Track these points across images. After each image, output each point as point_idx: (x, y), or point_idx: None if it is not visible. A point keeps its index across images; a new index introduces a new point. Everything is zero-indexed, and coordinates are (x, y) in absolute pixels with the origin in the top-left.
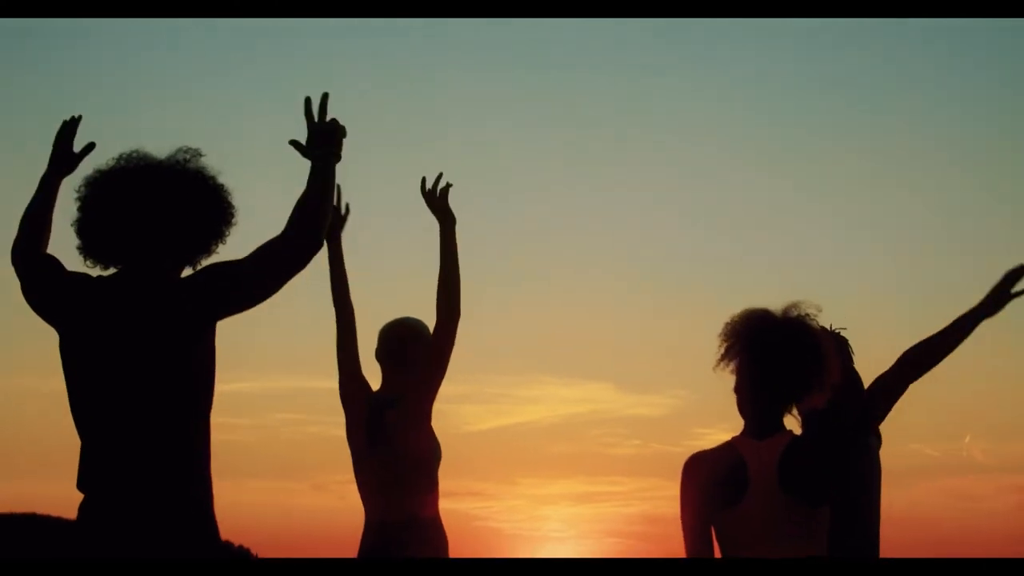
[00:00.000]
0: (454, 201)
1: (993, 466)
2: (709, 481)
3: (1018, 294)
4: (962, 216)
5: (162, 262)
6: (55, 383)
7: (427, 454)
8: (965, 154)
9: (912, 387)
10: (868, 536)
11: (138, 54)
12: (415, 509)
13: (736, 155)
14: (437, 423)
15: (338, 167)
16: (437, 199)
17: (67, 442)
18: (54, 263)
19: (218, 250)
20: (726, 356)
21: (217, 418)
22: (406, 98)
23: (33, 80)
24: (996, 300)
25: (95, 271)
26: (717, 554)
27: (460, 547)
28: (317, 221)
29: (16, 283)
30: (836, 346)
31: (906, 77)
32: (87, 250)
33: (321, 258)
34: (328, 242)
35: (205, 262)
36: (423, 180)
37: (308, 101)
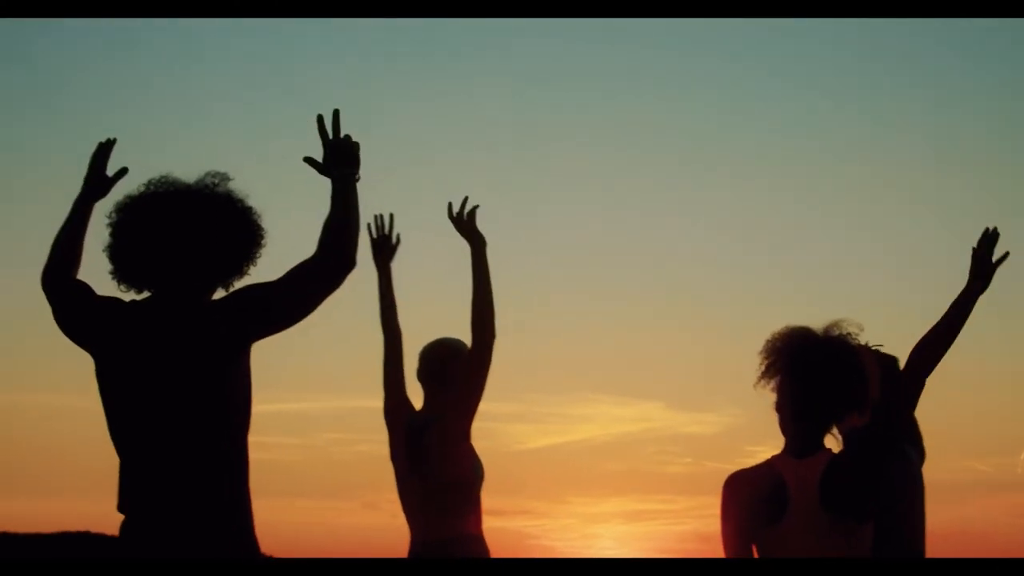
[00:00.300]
0: (508, 221)
1: None
2: (750, 500)
3: (1000, 262)
4: (985, 220)
5: (194, 285)
6: (87, 401)
7: (468, 473)
8: (984, 157)
9: (966, 403)
10: (911, 550)
11: (139, 56)
12: (457, 528)
13: (791, 174)
14: (488, 442)
15: (377, 187)
16: (465, 222)
17: (102, 460)
18: (85, 288)
19: (250, 271)
20: (767, 374)
21: (267, 438)
22: (441, 116)
23: (32, 80)
24: (982, 274)
25: (128, 295)
26: None
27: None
28: (347, 241)
29: (46, 301)
30: (883, 366)
31: (932, 77)
32: (120, 275)
33: (371, 283)
34: (378, 269)
35: (237, 283)
36: (449, 205)
37: (321, 118)
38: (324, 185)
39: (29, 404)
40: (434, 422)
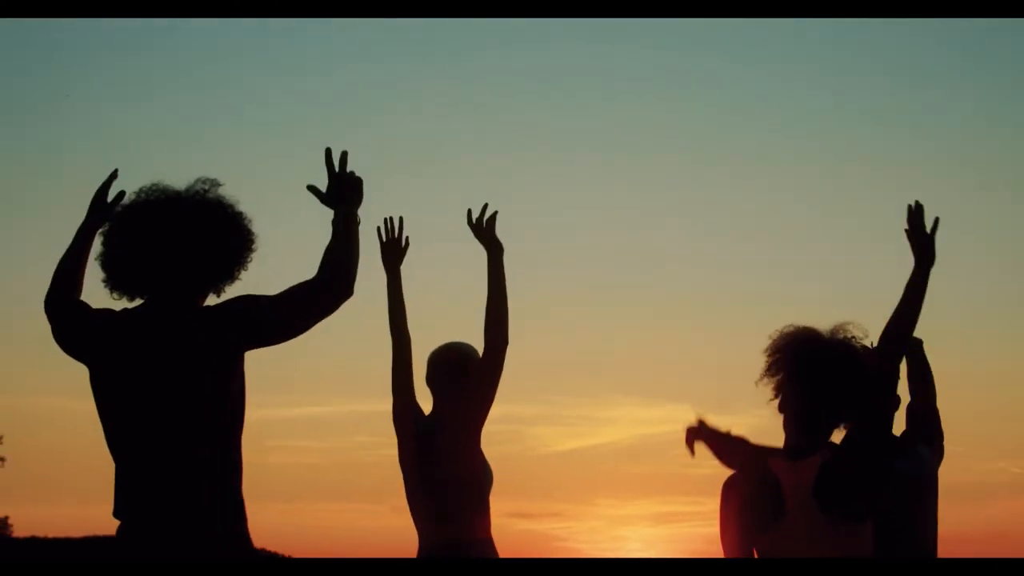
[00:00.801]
0: (536, 226)
1: None
2: (746, 503)
3: (934, 230)
4: (984, 218)
5: (186, 291)
6: (79, 403)
7: (477, 478)
8: (982, 155)
9: (997, 404)
10: (919, 548)
11: (139, 56)
12: (467, 532)
13: (823, 176)
14: (515, 445)
15: (383, 190)
16: (484, 229)
17: (105, 463)
18: (82, 306)
19: (241, 276)
20: (770, 371)
21: (295, 441)
22: (453, 120)
23: (33, 80)
24: (924, 250)
25: (120, 304)
26: None
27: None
28: (346, 272)
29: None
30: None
31: (934, 77)
32: (112, 283)
33: (381, 286)
34: (388, 271)
35: (229, 288)
36: (469, 211)
37: (329, 151)
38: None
39: (43, 408)
40: (444, 426)
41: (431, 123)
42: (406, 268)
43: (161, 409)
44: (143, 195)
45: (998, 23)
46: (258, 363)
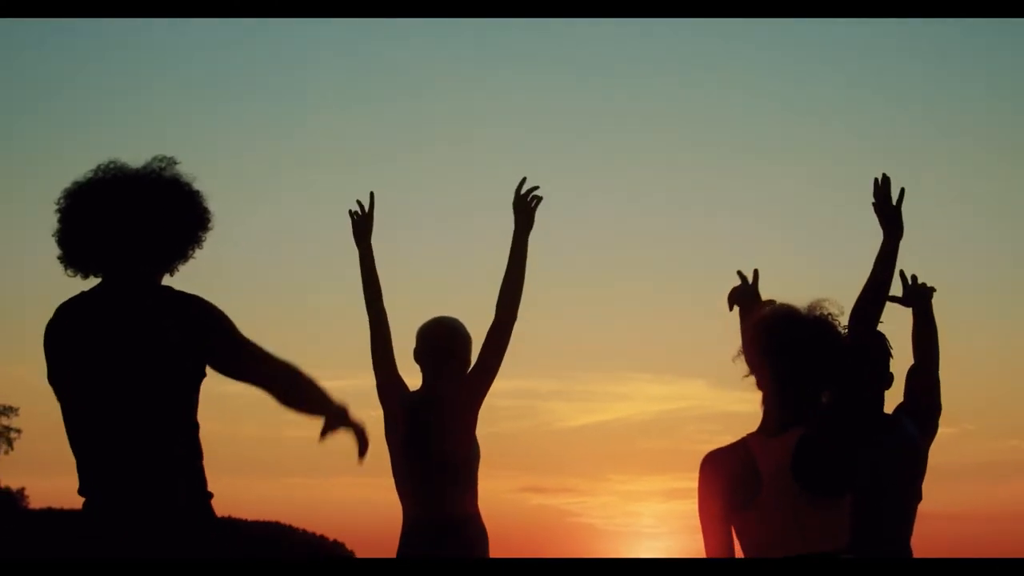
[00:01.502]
0: (554, 204)
1: None
2: (724, 480)
3: (900, 200)
4: (979, 209)
5: (141, 269)
6: None
7: (472, 457)
8: (979, 148)
9: (1009, 384)
10: (896, 525)
11: (139, 56)
12: (454, 508)
13: (835, 161)
14: (530, 420)
15: (365, 171)
16: (526, 203)
17: None
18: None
19: (194, 255)
20: (747, 348)
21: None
22: (449, 102)
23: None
24: (891, 221)
25: (75, 281)
26: (738, 553)
27: (554, 543)
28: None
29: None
30: (877, 343)
31: (922, 75)
32: (68, 259)
33: (408, 264)
34: (360, 247)
35: (182, 267)
36: (522, 181)
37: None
38: (315, 186)
39: None
40: (442, 406)
41: (447, 111)
42: (406, 245)
43: (117, 391)
44: (99, 172)
45: (998, 23)
46: (274, 336)
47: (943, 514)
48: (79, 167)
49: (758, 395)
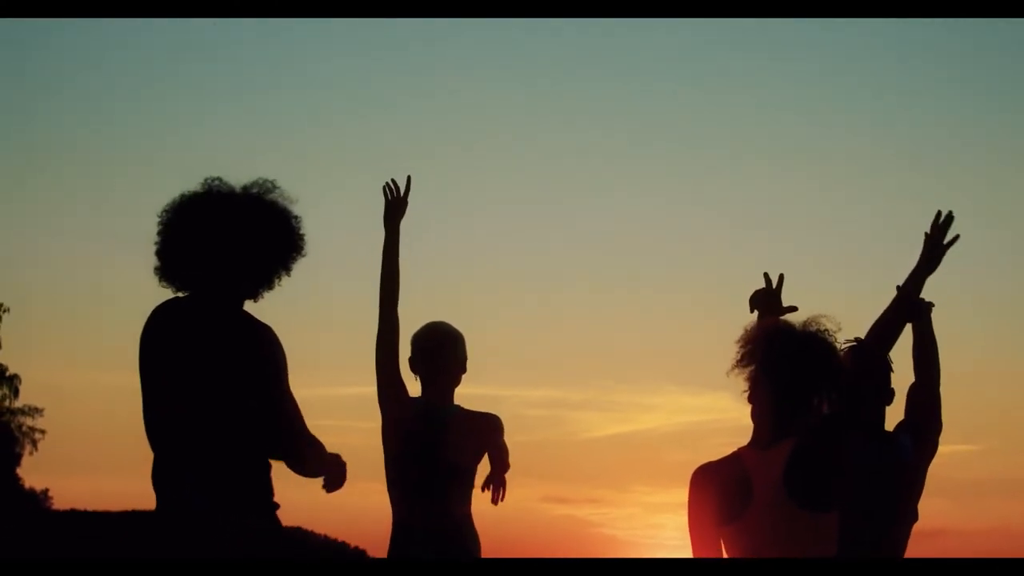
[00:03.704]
0: (587, 216)
1: None
2: (715, 493)
3: (950, 244)
4: (975, 215)
5: (229, 291)
6: (119, 377)
7: (474, 463)
8: (975, 151)
9: (994, 394)
10: (885, 543)
11: (140, 56)
12: (451, 512)
13: (854, 174)
14: (557, 430)
15: (358, 182)
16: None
17: (132, 436)
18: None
19: (282, 282)
20: (741, 362)
21: (337, 421)
22: (438, 104)
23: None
24: (933, 255)
25: (165, 293)
26: None
27: (574, 554)
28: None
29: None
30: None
31: (918, 77)
32: (163, 272)
33: (435, 268)
34: (387, 229)
35: (267, 294)
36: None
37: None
38: (313, 187)
39: (84, 381)
40: (443, 409)
41: (445, 115)
42: (425, 256)
43: (198, 401)
44: (202, 189)
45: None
46: (302, 342)
47: (967, 531)
48: (80, 166)
49: None
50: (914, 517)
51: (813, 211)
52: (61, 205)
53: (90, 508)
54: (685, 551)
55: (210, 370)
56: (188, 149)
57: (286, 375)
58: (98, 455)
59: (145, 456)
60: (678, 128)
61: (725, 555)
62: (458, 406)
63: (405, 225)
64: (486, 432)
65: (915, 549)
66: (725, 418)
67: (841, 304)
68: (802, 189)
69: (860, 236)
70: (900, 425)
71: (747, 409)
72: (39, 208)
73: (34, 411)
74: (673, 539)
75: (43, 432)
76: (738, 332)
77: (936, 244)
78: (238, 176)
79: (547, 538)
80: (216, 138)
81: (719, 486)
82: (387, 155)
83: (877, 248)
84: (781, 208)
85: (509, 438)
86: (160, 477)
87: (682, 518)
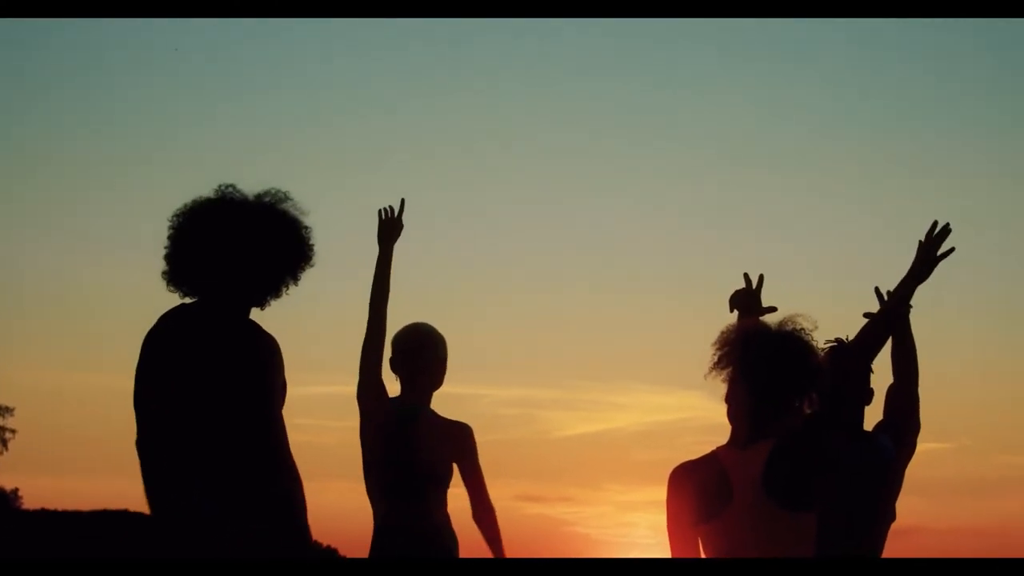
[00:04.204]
0: (557, 215)
1: None
2: (693, 492)
3: (944, 256)
4: (972, 217)
5: (237, 298)
6: (91, 378)
7: (448, 466)
8: (971, 153)
9: (999, 400)
10: (862, 542)
11: (140, 56)
12: (430, 513)
13: (832, 172)
14: (528, 429)
15: (346, 178)
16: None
17: (103, 437)
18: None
19: (290, 291)
20: (719, 364)
21: (304, 420)
22: (425, 103)
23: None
24: (925, 265)
25: (173, 298)
26: None
27: (547, 552)
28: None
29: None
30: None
31: (916, 77)
32: (171, 277)
33: (408, 267)
34: (381, 246)
35: (273, 302)
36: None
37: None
38: (302, 186)
39: (54, 381)
40: (420, 411)
41: (432, 117)
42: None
43: (205, 406)
44: (214, 196)
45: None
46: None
47: (940, 529)
48: (55, 166)
49: None
50: (892, 516)
51: (786, 212)
52: (35, 206)
53: (60, 508)
54: (658, 550)
55: (218, 377)
56: (169, 150)
57: (279, 394)
58: (69, 455)
59: (116, 457)
60: (652, 129)
61: (702, 554)
62: (432, 411)
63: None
64: (458, 439)
65: (891, 547)
66: (695, 417)
67: (816, 305)
68: (777, 189)
69: (835, 236)
70: (879, 425)
71: (718, 408)
72: (12, 208)
73: (5, 411)
74: (646, 537)
75: (13, 432)
76: (708, 331)
77: (929, 254)
78: (230, 175)
79: (521, 537)
80: (201, 138)
81: (698, 485)
82: (370, 151)
83: (852, 248)
84: (755, 208)
85: (482, 437)
86: (165, 483)
87: (654, 516)
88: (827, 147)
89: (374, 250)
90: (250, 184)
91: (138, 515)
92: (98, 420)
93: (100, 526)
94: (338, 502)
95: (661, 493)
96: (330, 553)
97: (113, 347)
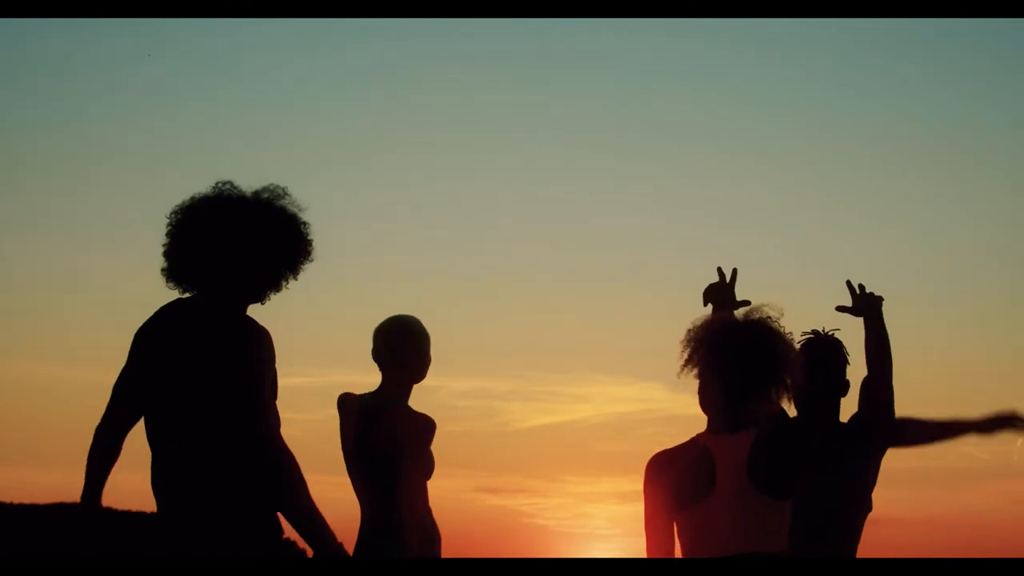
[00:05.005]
0: (513, 203)
1: None
2: (677, 478)
3: (1011, 429)
4: (966, 216)
5: (236, 292)
6: (52, 369)
7: (422, 458)
8: (969, 152)
9: (961, 390)
10: (836, 534)
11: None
12: (410, 507)
13: (793, 165)
14: (487, 420)
15: (329, 172)
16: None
17: (62, 429)
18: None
19: (290, 285)
20: (689, 362)
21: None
22: (406, 101)
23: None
24: (994, 427)
25: (172, 294)
26: (677, 552)
27: (506, 544)
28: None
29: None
30: (830, 350)
31: (911, 78)
32: (170, 273)
33: (373, 266)
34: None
35: (273, 296)
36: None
37: None
38: (314, 186)
39: (42, 376)
40: (393, 403)
41: (413, 106)
42: (360, 244)
43: (197, 403)
44: (212, 193)
45: (999, 23)
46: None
47: (905, 519)
48: (54, 161)
49: None
50: (868, 507)
51: (748, 203)
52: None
53: (16, 501)
54: (616, 540)
55: (213, 372)
56: (144, 149)
57: (269, 384)
58: (25, 447)
59: (74, 449)
60: (610, 118)
61: (677, 541)
62: (408, 405)
63: (344, 215)
64: (426, 432)
65: (868, 537)
66: (655, 408)
67: (784, 298)
68: (741, 180)
69: (798, 228)
70: (854, 417)
71: (678, 399)
72: None
73: None
74: (602, 528)
75: None
76: (669, 322)
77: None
78: (219, 172)
79: (480, 529)
80: (182, 135)
81: (681, 469)
82: (366, 149)
83: (820, 240)
84: (716, 199)
85: (440, 429)
86: (161, 479)
87: (613, 507)
88: (792, 136)
89: (367, 238)
90: (247, 180)
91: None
92: (56, 411)
93: (58, 520)
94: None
95: (620, 484)
96: (300, 552)
97: (78, 340)
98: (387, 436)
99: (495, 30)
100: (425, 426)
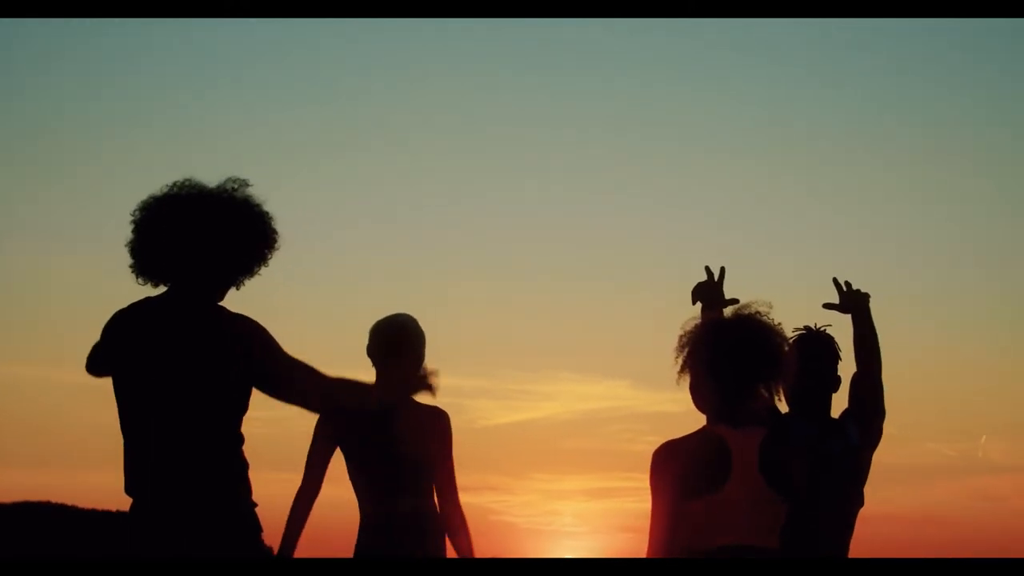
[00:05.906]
0: (482, 202)
1: (1011, 466)
2: (689, 468)
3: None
4: (966, 215)
5: (208, 282)
6: (66, 374)
7: (426, 453)
8: (968, 153)
9: (929, 388)
10: (830, 530)
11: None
12: (417, 504)
13: (763, 162)
14: (454, 417)
15: (324, 166)
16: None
17: (82, 432)
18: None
19: (260, 272)
20: (686, 364)
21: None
22: (405, 99)
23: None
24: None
25: (144, 289)
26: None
27: (476, 541)
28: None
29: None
30: (822, 346)
31: (912, 78)
32: (139, 269)
33: (355, 265)
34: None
35: (247, 281)
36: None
37: None
38: (313, 184)
39: (29, 377)
40: (401, 404)
41: (408, 105)
42: (357, 242)
43: (174, 397)
44: (174, 189)
45: (999, 23)
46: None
47: (874, 515)
48: (30, 158)
49: (680, 395)
50: (860, 502)
51: (716, 198)
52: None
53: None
54: (584, 537)
55: (186, 367)
56: (128, 148)
57: (278, 349)
58: (10, 446)
59: (44, 447)
60: (580, 115)
61: (683, 531)
62: (411, 399)
63: (319, 212)
64: (436, 422)
65: (860, 532)
66: (622, 406)
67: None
68: (711, 175)
69: (775, 224)
70: (845, 412)
71: (645, 396)
72: None
73: None
74: (570, 526)
75: None
76: (637, 320)
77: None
78: (189, 166)
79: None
80: (182, 134)
81: (695, 458)
82: (364, 146)
83: (804, 236)
84: (683, 196)
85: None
86: (137, 476)
87: (580, 504)
88: (791, 136)
89: (359, 236)
90: (209, 175)
91: (60, 507)
92: (39, 410)
93: (49, 517)
94: (267, 493)
95: (587, 481)
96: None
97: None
98: (401, 434)
99: (495, 30)
100: (433, 421)
